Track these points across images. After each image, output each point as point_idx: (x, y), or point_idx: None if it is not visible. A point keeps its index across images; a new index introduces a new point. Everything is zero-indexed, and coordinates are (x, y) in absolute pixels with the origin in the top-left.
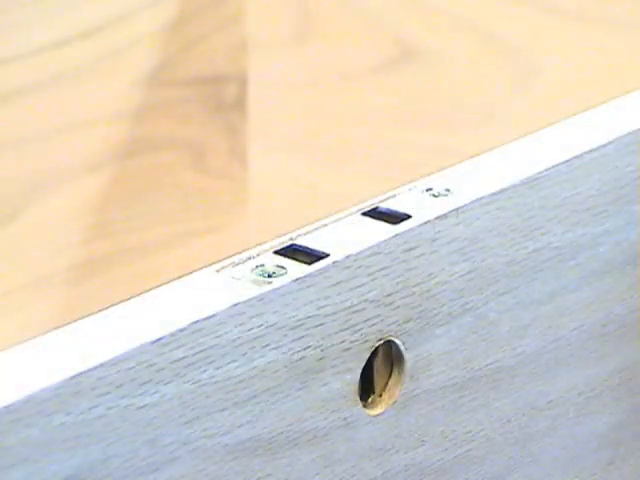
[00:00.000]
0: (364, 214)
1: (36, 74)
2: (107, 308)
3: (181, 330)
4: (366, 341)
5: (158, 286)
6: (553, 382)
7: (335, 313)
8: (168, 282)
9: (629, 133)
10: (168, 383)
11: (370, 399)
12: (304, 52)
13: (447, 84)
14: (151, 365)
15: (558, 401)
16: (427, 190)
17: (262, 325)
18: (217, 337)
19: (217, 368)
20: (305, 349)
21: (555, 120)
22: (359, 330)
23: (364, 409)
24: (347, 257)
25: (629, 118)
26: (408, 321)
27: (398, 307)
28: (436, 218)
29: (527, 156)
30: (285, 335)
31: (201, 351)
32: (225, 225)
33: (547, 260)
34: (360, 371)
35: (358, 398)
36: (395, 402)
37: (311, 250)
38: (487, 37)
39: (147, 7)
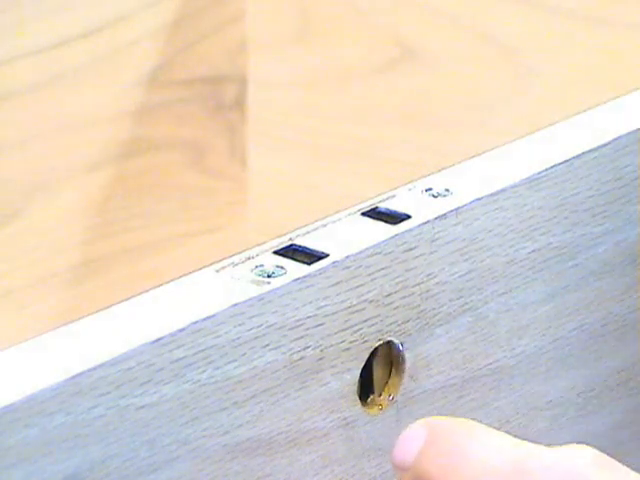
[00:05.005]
0: (364, 214)
1: (36, 74)
2: (107, 308)
3: (181, 330)
4: (365, 341)
5: (158, 286)
6: (552, 382)
7: (334, 313)
8: (168, 282)
9: (628, 133)
10: (168, 383)
11: (369, 399)
12: (304, 52)
13: (447, 84)
14: (151, 365)
15: (558, 401)
16: (427, 190)
17: (262, 325)
18: (217, 337)
19: (216, 368)
20: (305, 349)
21: (555, 120)
22: (358, 330)
23: (363, 409)
24: (347, 257)
25: (629, 118)
26: (407, 321)
27: (397, 307)
28: (436, 218)
29: (527, 156)
30: (285, 335)
31: (201, 351)
32: (225, 225)
33: (546, 260)
34: (359, 371)
35: (357, 398)
36: (395, 402)
37: (310, 250)
38: (487, 37)
39: (147, 7)
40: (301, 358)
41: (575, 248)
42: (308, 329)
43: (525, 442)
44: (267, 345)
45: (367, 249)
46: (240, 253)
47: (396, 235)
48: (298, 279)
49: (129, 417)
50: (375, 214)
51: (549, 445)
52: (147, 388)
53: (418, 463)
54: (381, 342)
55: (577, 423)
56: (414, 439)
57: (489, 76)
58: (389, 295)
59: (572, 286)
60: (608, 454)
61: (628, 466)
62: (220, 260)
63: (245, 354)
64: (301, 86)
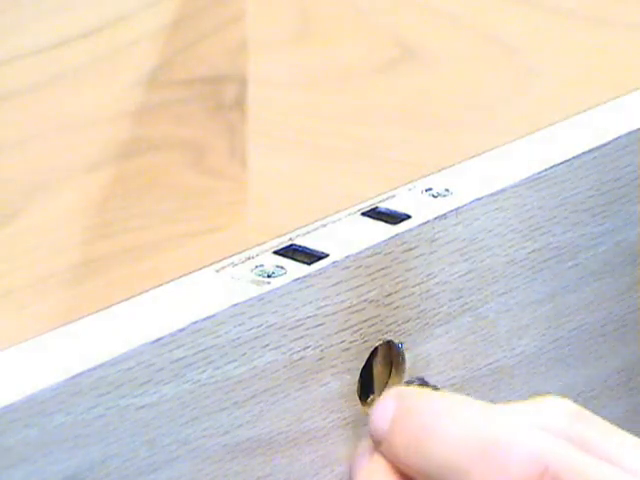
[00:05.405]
0: (364, 214)
1: (36, 74)
2: (107, 308)
3: (181, 330)
4: (365, 341)
5: (158, 286)
6: (552, 382)
7: (334, 313)
8: (168, 282)
9: (628, 133)
10: (168, 383)
11: (369, 399)
12: (304, 52)
13: (447, 84)
14: (151, 365)
15: None
16: (427, 190)
17: (262, 325)
18: (217, 337)
19: (216, 368)
20: (305, 349)
21: (555, 120)
22: (358, 330)
23: (363, 409)
24: (347, 257)
25: (629, 118)
26: (407, 321)
27: (397, 307)
28: (435, 218)
29: (527, 156)
30: (285, 335)
31: (201, 351)
32: (225, 225)
33: (546, 260)
34: (359, 371)
35: (358, 398)
36: None
37: (310, 250)
38: (487, 37)
39: (147, 7)
40: (301, 358)
41: (575, 248)
42: (308, 329)
43: (498, 411)
44: (267, 345)
45: (367, 249)
46: (240, 253)
47: (396, 235)
48: (298, 279)
49: (129, 417)
50: (375, 214)
51: None
52: (147, 388)
53: (391, 437)
54: (381, 342)
55: None
56: (386, 409)
57: (489, 76)
58: (389, 295)
59: (572, 286)
60: None
61: None
62: (220, 260)
63: (245, 354)
64: (301, 86)
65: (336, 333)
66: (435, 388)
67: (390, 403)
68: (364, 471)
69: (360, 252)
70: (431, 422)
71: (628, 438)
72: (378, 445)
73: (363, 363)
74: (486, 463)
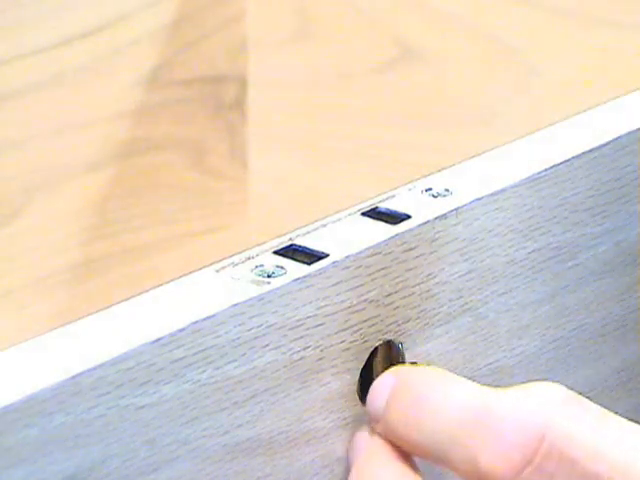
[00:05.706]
0: (364, 214)
1: (36, 74)
2: (107, 308)
3: (181, 330)
4: (365, 341)
5: (158, 286)
6: None
7: (334, 313)
8: (168, 282)
9: (628, 133)
10: (168, 383)
11: None
12: (304, 52)
13: (447, 84)
14: (151, 365)
15: None
16: (427, 190)
17: (262, 325)
18: (217, 337)
19: (216, 368)
20: (304, 349)
21: (555, 120)
22: (358, 330)
23: (363, 409)
24: (347, 257)
25: (628, 118)
26: (407, 321)
27: (397, 307)
28: (436, 218)
29: (527, 156)
30: (285, 335)
31: (201, 351)
32: (225, 225)
33: (546, 260)
34: (359, 371)
35: (357, 398)
36: None
37: (311, 250)
38: (487, 37)
39: (147, 7)
40: (301, 358)
41: (575, 248)
42: (308, 329)
43: (492, 389)
44: (267, 345)
45: (367, 249)
46: (240, 253)
47: (396, 235)
48: (298, 279)
49: (129, 417)
50: (375, 214)
51: None
52: (147, 388)
53: (388, 414)
54: (381, 342)
55: None
56: (384, 387)
57: (489, 76)
58: (389, 295)
59: (572, 286)
60: None
61: None
62: (220, 260)
63: (245, 354)
64: (301, 86)
65: (336, 333)
66: None
67: (388, 379)
68: (364, 453)
69: (360, 252)
70: (426, 394)
71: (624, 423)
72: (376, 424)
73: (363, 363)
74: (482, 433)
